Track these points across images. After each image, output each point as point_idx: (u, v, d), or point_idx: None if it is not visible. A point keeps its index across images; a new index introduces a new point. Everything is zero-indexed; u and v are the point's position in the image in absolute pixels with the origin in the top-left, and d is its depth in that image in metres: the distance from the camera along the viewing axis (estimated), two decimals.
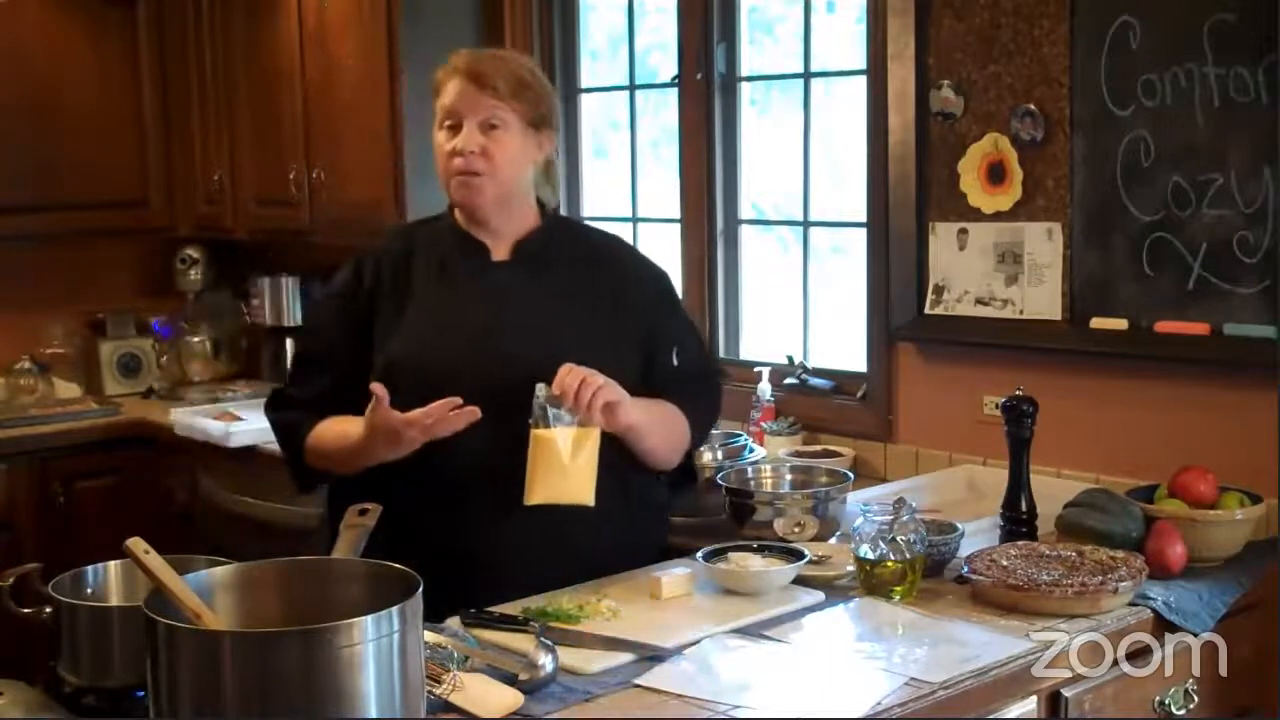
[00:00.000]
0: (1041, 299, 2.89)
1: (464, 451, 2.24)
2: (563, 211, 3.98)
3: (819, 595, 2.21)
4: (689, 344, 2.50)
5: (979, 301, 3.01)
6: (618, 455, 2.28)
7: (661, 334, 2.44)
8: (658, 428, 2.35)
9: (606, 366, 2.25)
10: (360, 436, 2.24)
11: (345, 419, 2.31)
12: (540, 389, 2.18)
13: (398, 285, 2.38)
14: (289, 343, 4.55)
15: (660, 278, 2.54)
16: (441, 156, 2.34)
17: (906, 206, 3.12)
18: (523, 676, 1.82)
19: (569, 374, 2.17)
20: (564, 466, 2.16)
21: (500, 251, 2.40)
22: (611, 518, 2.26)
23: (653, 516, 2.48)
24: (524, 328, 2.33)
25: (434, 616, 2.01)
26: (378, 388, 2.17)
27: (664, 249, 3.80)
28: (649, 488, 2.43)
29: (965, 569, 2.24)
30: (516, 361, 2.26)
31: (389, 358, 2.32)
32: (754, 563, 2.27)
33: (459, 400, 2.15)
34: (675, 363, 2.43)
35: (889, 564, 2.19)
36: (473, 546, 2.27)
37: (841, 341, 3.46)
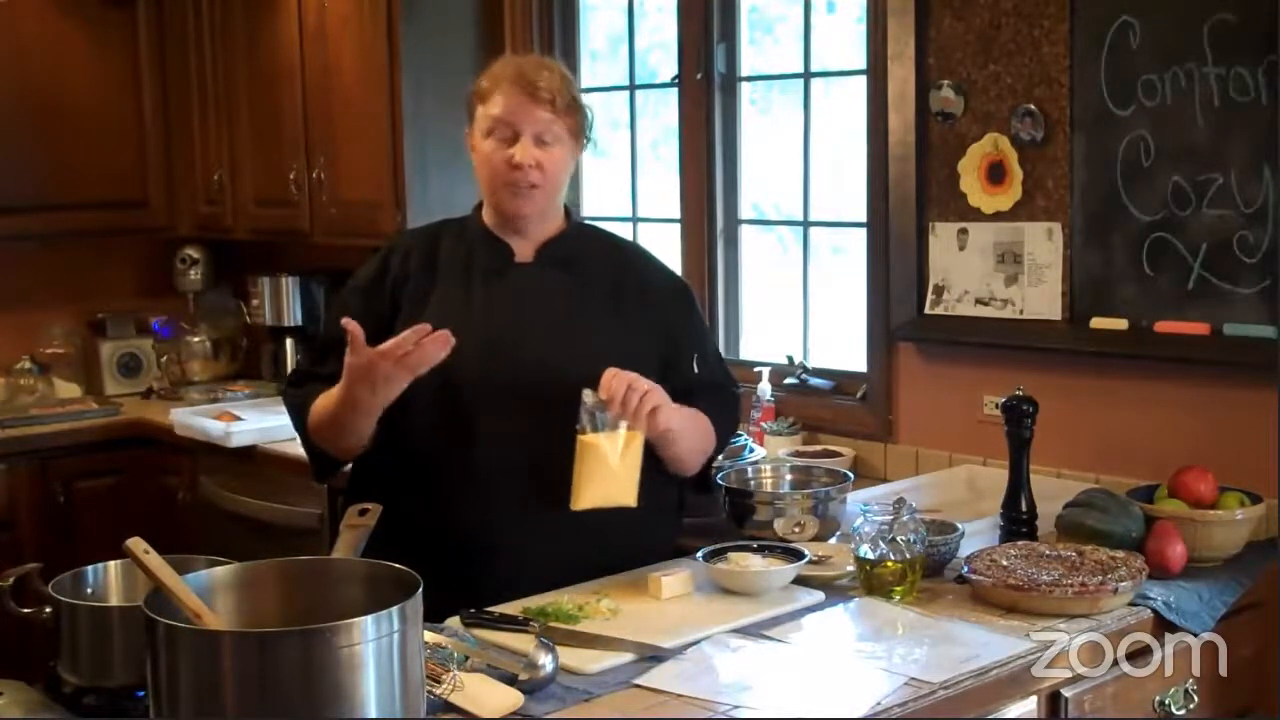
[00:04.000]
0: (1041, 299, 2.89)
1: (483, 448, 2.27)
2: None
3: (819, 595, 2.21)
4: (707, 354, 2.51)
5: (979, 301, 3.01)
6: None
7: (680, 341, 2.45)
8: (690, 433, 2.36)
9: (617, 368, 2.26)
10: (341, 385, 2.23)
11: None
12: (587, 395, 2.16)
13: (421, 281, 2.40)
14: (289, 343, 4.55)
15: (680, 285, 2.57)
16: (489, 165, 2.35)
17: (906, 206, 3.12)
18: (523, 676, 1.82)
19: (615, 379, 2.17)
20: (612, 471, 2.16)
21: (524, 253, 2.41)
22: (625, 518, 2.25)
23: (665, 519, 2.49)
24: (543, 329, 2.34)
25: (441, 612, 2.01)
26: (349, 323, 2.15)
27: (664, 249, 3.80)
28: (661, 490, 2.43)
29: (965, 569, 2.24)
30: (535, 362, 2.29)
31: None
32: (754, 563, 2.27)
33: (428, 327, 2.13)
34: (695, 370, 2.44)
35: (889, 564, 2.19)
36: (488, 543, 2.28)
37: (841, 341, 3.46)
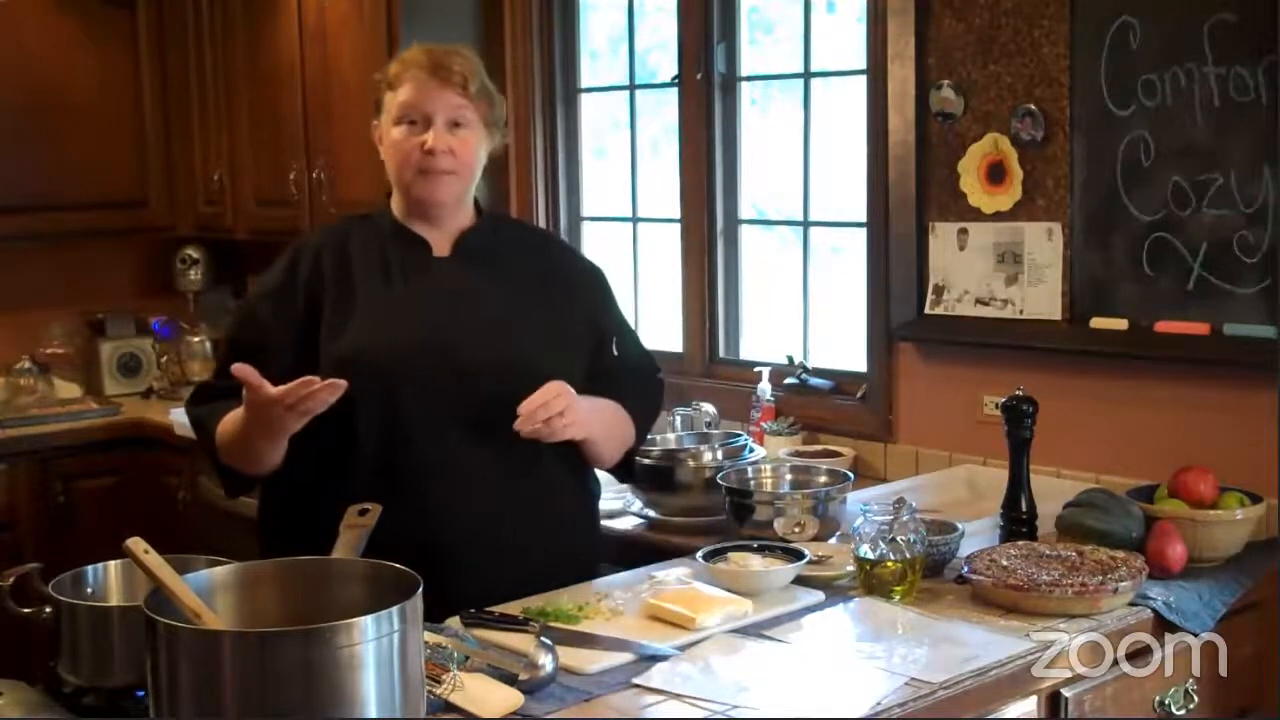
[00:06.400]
0: (1041, 299, 2.89)
1: (416, 446, 2.25)
2: (563, 212, 4.05)
3: (819, 595, 2.21)
4: (627, 339, 2.53)
5: (979, 301, 3.01)
6: (553, 458, 2.31)
7: (604, 327, 2.46)
8: (610, 435, 2.39)
9: (554, 360, 2.29)
10: (242, 417, 2.18)
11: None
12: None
13: (338, 281, 2.34)
14: None
15: (597, 272, 2.56)
16: (399, 152, 2.32)
17: (906, 206, 3.12)
18: (523, 676, 1.82)
19: (534, 407, 2.17)
20: (706, 596, 2.14)
21: (441, 247, 2.38)
22: (559, 515, 2.31)
23: (591, 508, 2.51)
24: (472, 323, 2.32)
25: None
26: (239, 369, 2.08)
27: (664, 249, 3.81)
28: (582, 484, 2.46)
29: (965, 569, 2.24)
30: (467, 357, 2.27)
31: (339, 356, 2.26)
32: (754, 563, 2.27)
33: (315, 379, 2.06)
34: (615, 353, 2.45)
35: (889, 564, 2.19)
36: (418, 540, 2.21)
37: (841, 341, 3.46)
